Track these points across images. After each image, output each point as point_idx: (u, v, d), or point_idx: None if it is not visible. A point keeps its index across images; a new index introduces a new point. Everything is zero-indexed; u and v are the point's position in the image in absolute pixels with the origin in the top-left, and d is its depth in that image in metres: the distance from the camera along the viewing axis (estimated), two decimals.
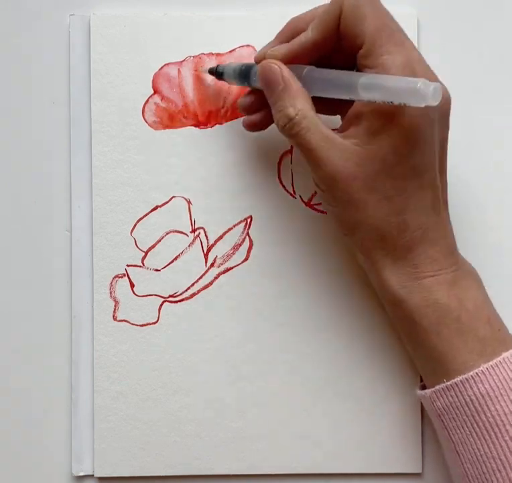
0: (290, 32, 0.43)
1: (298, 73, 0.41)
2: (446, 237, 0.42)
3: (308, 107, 0.40)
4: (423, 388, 0.44)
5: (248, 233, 0.48)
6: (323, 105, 0.43)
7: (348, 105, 0.41)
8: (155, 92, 0.48)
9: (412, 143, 0.39)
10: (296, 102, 0.40)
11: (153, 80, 0.48)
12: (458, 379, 0.40)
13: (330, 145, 0.40)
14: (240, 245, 0.48)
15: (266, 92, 0.42)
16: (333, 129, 0.41)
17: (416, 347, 0.42)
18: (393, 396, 0.47)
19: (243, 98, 0.45)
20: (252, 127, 0.45)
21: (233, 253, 0.48)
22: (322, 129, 0.40)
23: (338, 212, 0.42)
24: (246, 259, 0.48)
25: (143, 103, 0.48)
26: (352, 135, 0.40)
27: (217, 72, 0.46)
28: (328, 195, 0.41)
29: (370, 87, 0.38)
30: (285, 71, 0.41)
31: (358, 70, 0.41)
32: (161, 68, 0.48)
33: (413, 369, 0.47)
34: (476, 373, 0.40)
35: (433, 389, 0.41)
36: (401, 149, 0.39)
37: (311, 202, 0.48)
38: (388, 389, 0.47)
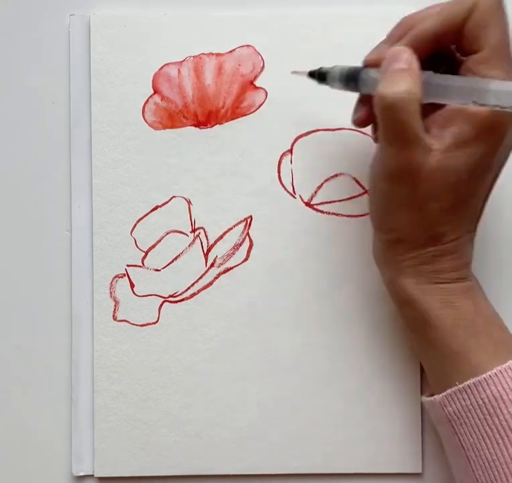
0: (403, 31, 0.41)
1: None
2: (470, 253, 0.42)
3: (420, 97, 0.38)
4: (430, 396, 0.43)
5: (248, 233, 0.48)
6: None
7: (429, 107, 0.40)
8: (155, 92, 0.48)
9: (487, 164, 0.40)
10: (414, 84, 0.38)
11: (153, 80, 0.48)
12: (472, 381, 0.40)
13: (419, 141, 0.39)
14: (240, 245, 0.48)
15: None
16: None
17: (428, 349, 0.42)
18: (393, 397, 0.47)
19: (355, 112, 0.44)
20: (361, 123, 0.43)
21: (233, 253, 0.48)
22: (420, 123, 0.38)
23: (387, 207, 0.41)
24: (246, 259, 0.48)
25: (143, 103, 0.48)
26: (435, 136, 0.39)
27: (319, 75, 0.44)
28: (389, 183, 0.40)
29: (504, 93, 0.37)
30: (415, 61, 0.39)
31: (456, 71, 0.40)
32: (161, 68, 0.48)
33: (413, 369, 0.47)
34: (490, 375, 0.39)
35: (444, 393, 0.41)
36: (477, 169, 0.39)
37: (311, 202, 0.48)
38: (388, 389, 0.47)
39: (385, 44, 0.42)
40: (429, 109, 0.40)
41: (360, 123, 0.43)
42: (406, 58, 0.39)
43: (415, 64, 0.39)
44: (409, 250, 0.41)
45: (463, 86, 0.39)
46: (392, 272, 0.42)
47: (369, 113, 0.42)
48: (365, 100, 0.43)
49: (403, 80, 0.38)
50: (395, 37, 0.41)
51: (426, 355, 0.43)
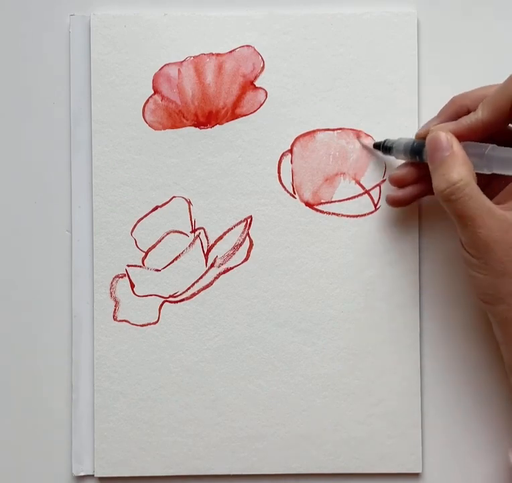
0: (454, 110, 0.44)
1: (480, 151, 0.41)
2: None
3: (471, 177, 0.41)
4: None
5: (248, 233, 0.48)
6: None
7: (500, 178, 0.41)
8: (155, 92, 0.48)
9: None
10: (461, 169, 0.40)
11: (153, 80, 0.48)
12: None
13: (490, 215, 0.40)
14: (240, 245, 0.48)
15: (430, 158, 0.42)
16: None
17: None
18: (393, 396, 0.47)
19: (397, 170, 0.46)
20: (396, 203, 0.46)
21: (233, 253, 0.48)
22: (482, 199, 0.40)
23: (486, 281, 0.41)
24: (246, 259, 0.48)
25: (143, 103, 0.48)
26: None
27: (384, 147, 0.46)
28: (480, 263, 0.41)
29: None
30: (455, 141, 0.41)
31: None
32: (161, 68, 0.48)
33: (413, 369, 0.47)
34: None
35: None
36: None
37: (311, 202, 0.48)
38: (388, 389, 0.47)
39: (434, 120, 0.45)
40: (502, 182, 0.42)
41: (395, 181, 0.46)
42: (445, 145, 0.41)
43: (456, 146, 0.41)
44: None
45: None
46: (511, 349, 0.42)
47: (407, 174, 0.45)
48: (410, 166, 0.45)
49: (448, 171, 0.41)
50: (445, 114, 0.44)
51: None
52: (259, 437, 0.48)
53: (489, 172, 0.41)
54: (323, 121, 0.48)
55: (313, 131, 0.48)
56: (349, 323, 0.48)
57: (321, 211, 0.48)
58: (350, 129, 0.47)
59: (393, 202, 0.46)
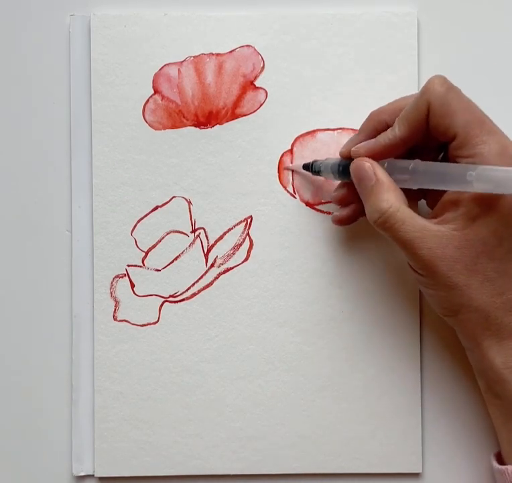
0: (373, 126, 0.43)
1: (404, 167, 0.41)
2: None
3: (400, 200, 0.41)
4: (499, 457, 0.44)
5: (248, 233, 0.48)
6: (408, 192, 0.43)
7: (434, 190, 0.41)
8: (155, 92, 0.48)
9: (509, 225, 0.40)
10: (388, 196, 0.41)
11: (153, 80, 0.48)
12: None
13: (426, 234, 0.40)
14: (240, 245, 0.48)
15: (358, 189, 0.42)
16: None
17: (508, 423, 0.42)
18: (393, 396, 0.47)
19: (338, 190, 0.46)
20: (341, 222, 0.46)
21: (233, 253, 0.48)
22: (416, 220, 0.40)
23: (438, 296, 0.42)
24: (246, 259, 0.48)
25: (143, 103, 0.48)
26: (448, 220, 0.40)
27: (313, 170, 0.46)
28: (429, 280, 0.41)
29: (484, 179, 0.38)
30: (377, 168, 0.41)
31: (450, 159, 0.41)
32: (161, 68, 0.48)
33: (413, 369, 0.47)
34: None
35: None
36: (502, 231, 0.40)
37: (311, 202, 0.48)
38: (388, 389, 0.47)
39: (356, 138, 0.44)
40: (438, 193, 0.41)
41: (337, 201, 0.46)
42: (369, 174, 0.41)
43: (380, 173, 0.41)
44: (483, 329, 0.41)
45: (445, 173, 0.40)
46: (477, 355, 0.42)
47: (348, 194, 0.45)
48: (348, 184, 0.45)
49: (377, 200, 0.41)
50: (364, 131, 0.44)
51: (504, 428, 0.43)
52: (259, 437, 0.48)
53: (416, 187, 0.41)
54: (323, 121, 0.48)
55: (313, 131, 0.48)
56: (349, 322, 0.48)
57: (321, 211, 0.48)
58: (351, 129, 0.47)
59: (339, 222, 0.46)
